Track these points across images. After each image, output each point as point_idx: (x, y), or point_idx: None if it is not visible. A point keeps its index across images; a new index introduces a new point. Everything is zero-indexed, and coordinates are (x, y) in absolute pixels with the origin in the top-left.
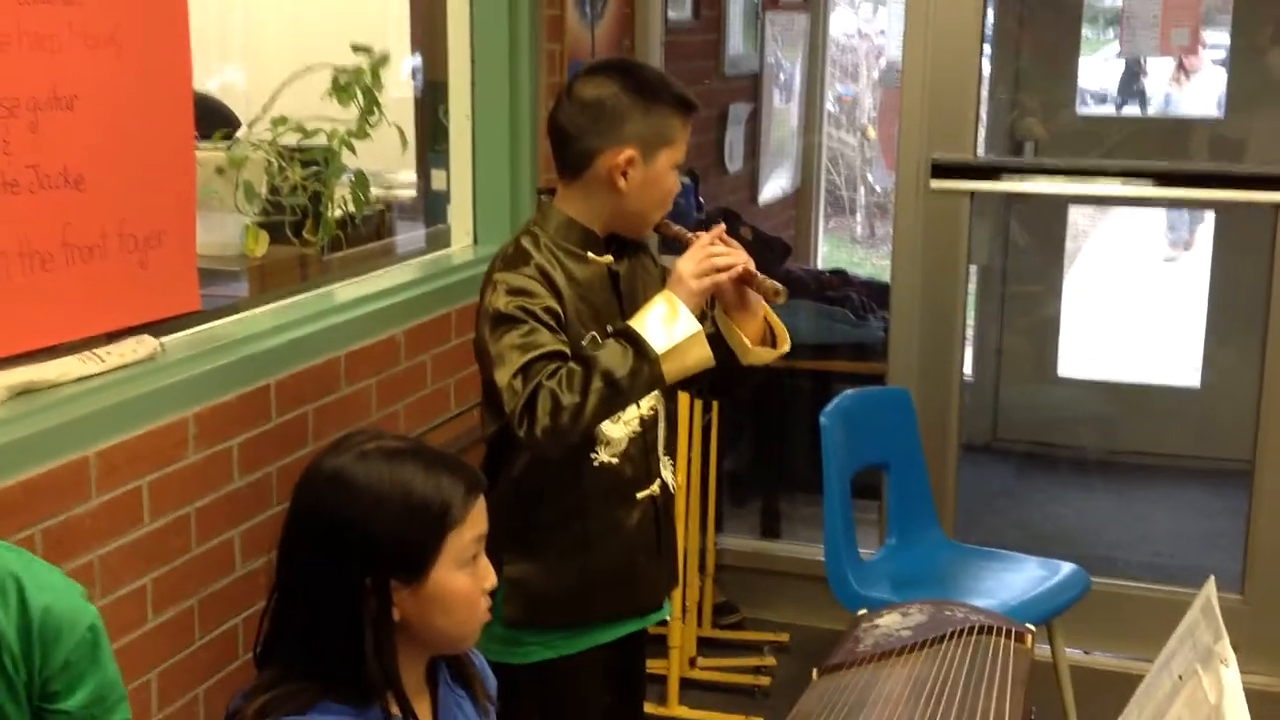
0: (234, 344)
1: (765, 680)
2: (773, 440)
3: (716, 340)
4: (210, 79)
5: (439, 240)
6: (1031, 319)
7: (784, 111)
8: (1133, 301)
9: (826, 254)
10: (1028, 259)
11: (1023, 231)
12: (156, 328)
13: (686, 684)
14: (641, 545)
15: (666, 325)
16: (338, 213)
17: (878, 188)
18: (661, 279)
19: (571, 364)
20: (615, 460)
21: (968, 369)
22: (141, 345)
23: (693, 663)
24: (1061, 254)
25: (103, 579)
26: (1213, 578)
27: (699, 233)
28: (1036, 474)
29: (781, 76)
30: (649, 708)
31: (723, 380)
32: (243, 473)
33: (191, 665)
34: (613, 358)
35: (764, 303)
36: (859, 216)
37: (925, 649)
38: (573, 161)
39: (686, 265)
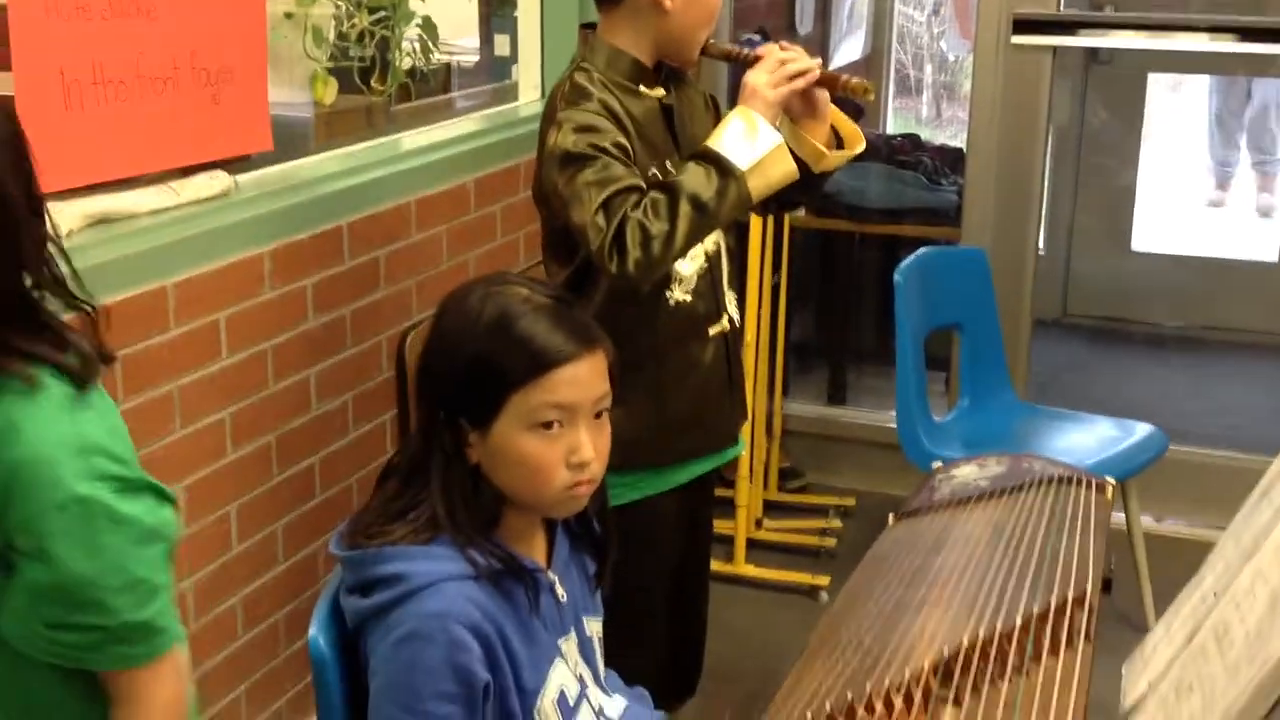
0: (306, 184)
1: (831, 542)
2: (840, 307)
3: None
4: None
5: (505, 95)
6: (1106, 191)
7: None
8: (1211, 174)
9: (893, 133)
10: (1105, 129)
11: (1100, 101)
12: (229, 166)
13: (752, 544)
14: (716, 382)
15: (747, 141)
16: (406, 62)
17: (951, 56)
18: (710, 110)
19: (654, 193)
20: (688, 298)
21: (1040, 242)
22: (216, 180)
23: (759, 524)
24: (1140, 124)
25: (182, 409)
26: None
27: (756, 48)
28: (1108, 348)
29: None
30: (717, 566)
31: (793, 192)
32: (317, 312)
33: (270, 500)
34: (696, 181)
35: (831, 107)
36: (925, 96)
37: (1004, 497)
38: None
39: (759, 77)
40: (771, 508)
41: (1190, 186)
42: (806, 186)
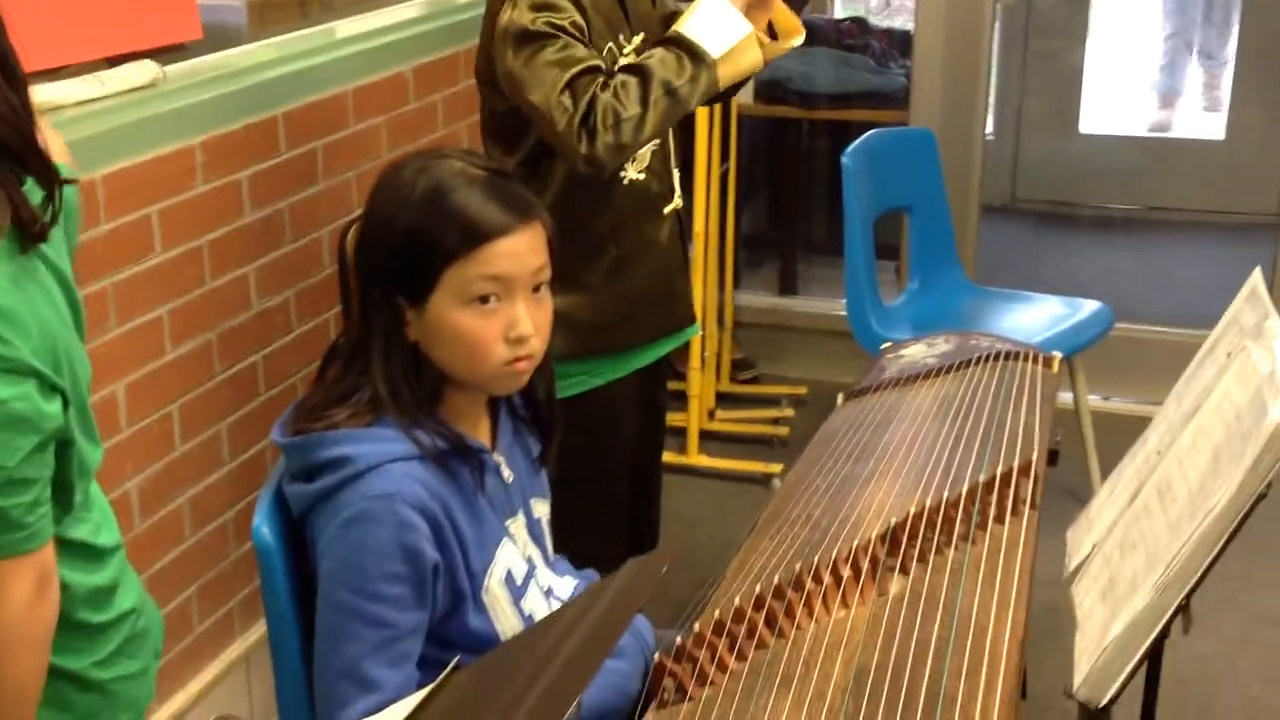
0: (238, 73)
1: (784, 431)
2: (790, 196)
3: None
4: None
5: None
6: (1054, 74)
7: None
8: (1159, 53)
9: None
10: (1052, 9)
11: None
12: (158, 56)
13: (705, 435)
14: (673, 261)
15: (719, 28)
16: None
17: None
18: None
19: (623, 76)
20: (643, 176)
21: (987, 127)
22: (143, 70)
23: (711, 415)
24: (1087, 4)
25: (117, 307)
26: (1259, 269)
27: None
28: (1056, 232)
29: None
30: (670, 457)
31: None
32: (254, 206)
33: (213, 399)
34: (669, 67)
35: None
36: None
37: (952, 372)
38: None
39: None
40: (724, 399)
41: (1138, 66)
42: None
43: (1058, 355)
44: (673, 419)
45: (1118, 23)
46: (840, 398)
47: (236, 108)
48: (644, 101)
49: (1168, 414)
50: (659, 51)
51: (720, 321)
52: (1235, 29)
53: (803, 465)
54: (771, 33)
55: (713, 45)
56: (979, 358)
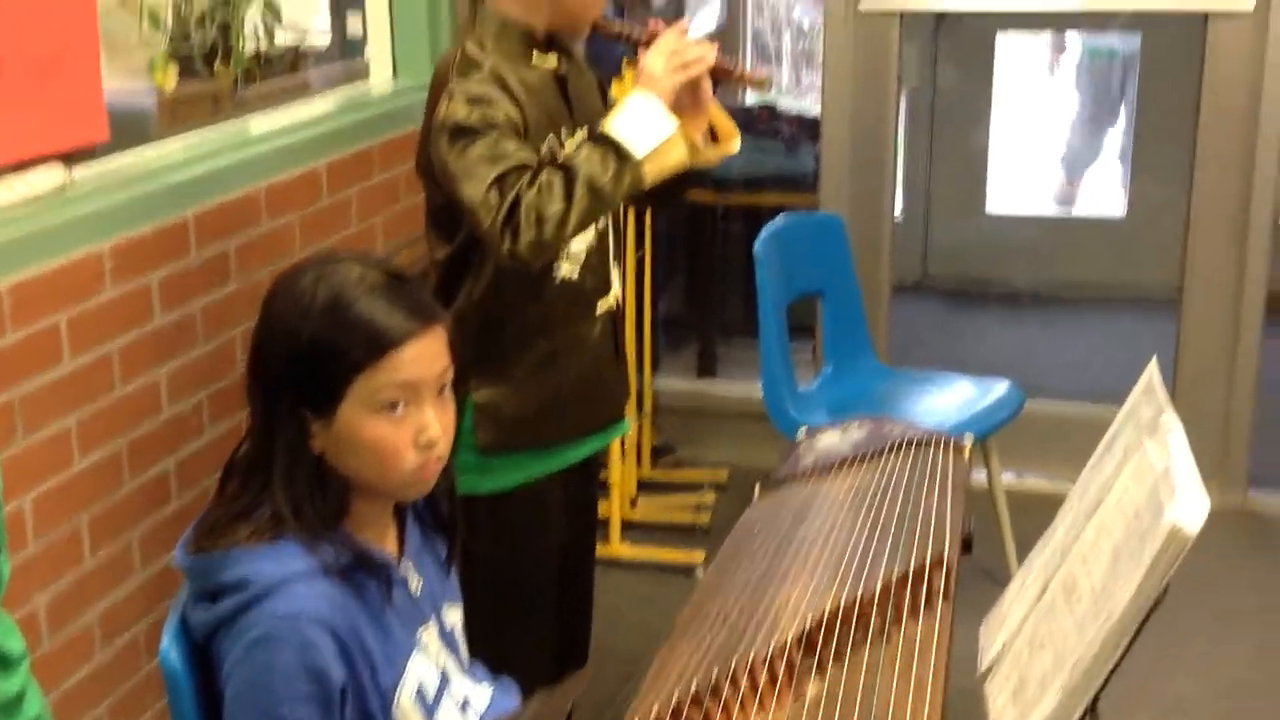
0: (147, 175)
1: (705, 518)
2: (706, 280)
3: None
4: None
5: (356, 74)
6: (960, 156)
7: None
8: (1060, 135)
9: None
10: (956, 94)
11: (951, 64)
12: (65, 159)
13: (627, 525)
14: (604, 357)
15: (645, 126)
16: (250, 46)
17: (805, 23)
18: (598, 87)
19: (549, 173)
20: (576, 274)
21: (897, 209)
22: (50, 175)
23: (633, 504)
24: (990, 87)
25: (24, 419)
26: (1155, 359)
27: (651, 29)
28: (967, 310)
29: None
30: None
31: (668, 187)
32: (165, 310)
33: (123, 508)
34: (593, 164)
35: (713, 101)
36: (785, 64)
37: (866, 462)
38: None
39: (656, 61)
40: (645, 486)
41: (1041, 147)
42: (680, 181)
43: (968, 441)
44: None
45: (1019, 106)
46: (757, 489)
47: (146, 210)
48: (567, 199)
49: (1073, 505)
50: (586, 148)
51: (640, 408)
52: (1132, 109)
53: (720, 562)
54: (713, 135)
55: (638, 144)
56: (892, 445)
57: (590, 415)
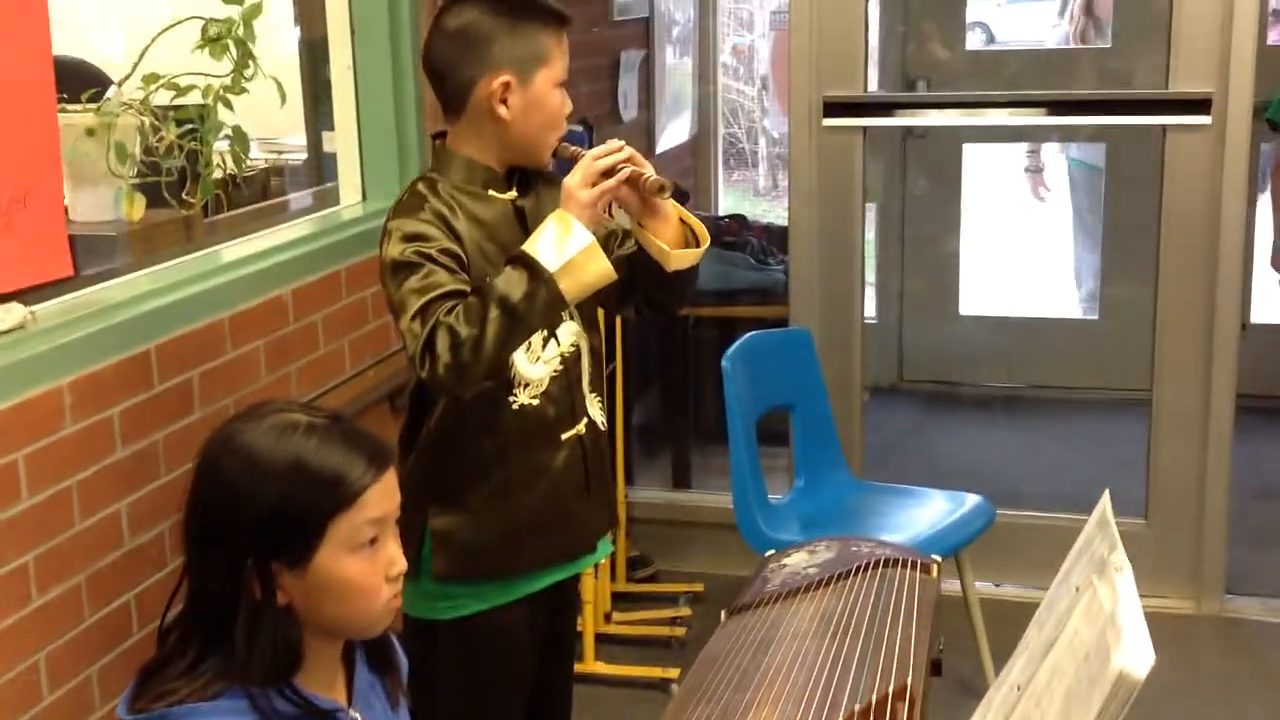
0: (109, 309)
1: (681, 631)
2: (680, 390)
3: (639, 256)
4: (86, 42)
5: (327, 199)
6: (931, 259)
7: (678, 64)
8: (1031, 238)
9: (730, 206)
10: (925, 199)
11: (920, 173)
12: (27, 295)
13: (602, 639)
14: (570, 487)
15: (558, 243)
16: (218, 173)
17: (775, 134)
18: None
19: (470, 298)
20: (536, 401)
21: (871, 311)
22: (10, 314)
23: (608, 618)
24: (959, 193)
25: None
26: (1108, 492)
27: (575, 151)
28: (942, 413)
29: (674, 30)
30: None
31: (659, 292)
32: (126, 442)
33: (82, 645)
34: (508, 283)
35: (676, 205)
36: (761, 169)
37: (832, 585)
38: (453, 97)
39: (573, 179)
40: (621, 599)
41: (1013, 248)
42: (668, 287)
43: (936, 561)
44: None
45: (989, 210)
46: (723, 615)
47: (107, 345)
48: (481, 321)
49: (1029, 642)
50: (506, 269)
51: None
52: (1102, 211)
53: (684, 693)
54: (695, 239)
55: (550, 259)
56: (859, 567)
57: (551, 547)
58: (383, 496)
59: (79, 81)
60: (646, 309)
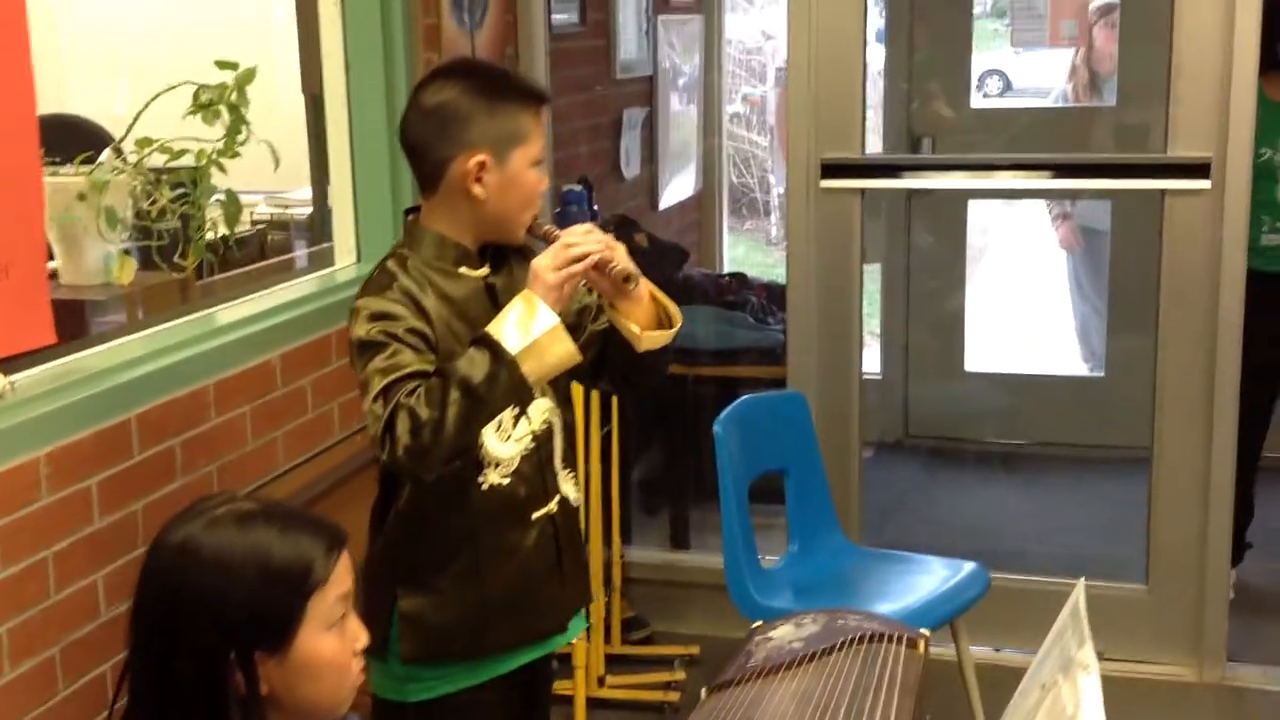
0: (90, 378)
1: (674, 696)
2: (679, 449)
3: (612, 333)
4: (89, 99)
5: (322, 260)
6: (936, 315)
7: (684, 114)
8: (1037, 294)
9: (741, 256)
10: (930, 255)
11: (924, 228)
12: (7, 364)
13: (594, 703)
14: (541, 567)
15: (522, 325)
16: (210, 236)
17: (779, 189)
18: None
19: (432, 380)
20: (506, 480)
21: (877, 367)
22: None
23: (601, 681)
24: (963, 249)
25: None
26: (1083, 581)
27: (549, 231)
28: (946, 470)
29: (680, 80)
30: None
31: (633, 370)
32: (104, 513)
33: (57, 717)
34: (470, 365)
35: (649, 284)
36: (774, 218)
37: (815, 661)
38: (427, 174)
39: (542, 261)
40: (615, 661)
41: (1018, 305)
42: (640, 367)
43: (924, 635)
44: (560, 687)
45: (995, 266)
46: (704, 692)
47: (86, 414)
48: (441, 404)
49: None
50: (470, 351)
51: (607, 583)
52: (1106, 271)
53: None
54: (669, 319)
55: (513, 341)
56: (844, 641)
57: (521, 628)
58: (346, 572)
59: (77, 139)
60: (621, 385)
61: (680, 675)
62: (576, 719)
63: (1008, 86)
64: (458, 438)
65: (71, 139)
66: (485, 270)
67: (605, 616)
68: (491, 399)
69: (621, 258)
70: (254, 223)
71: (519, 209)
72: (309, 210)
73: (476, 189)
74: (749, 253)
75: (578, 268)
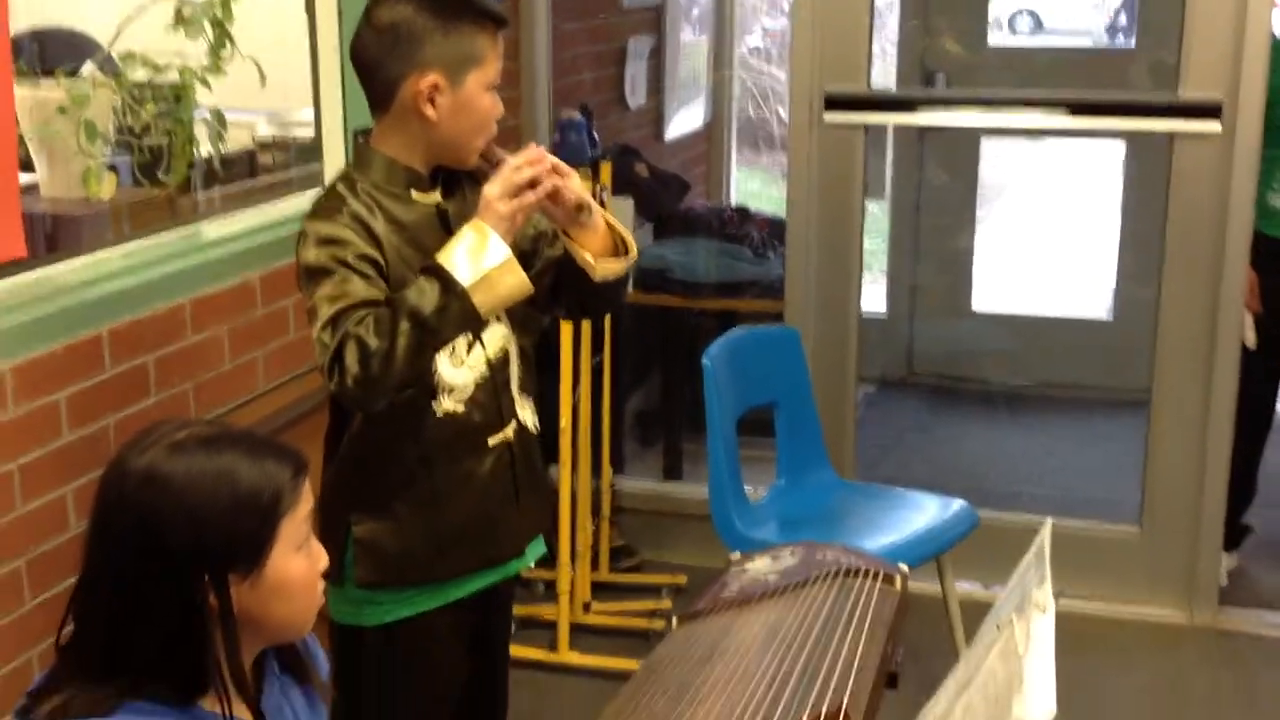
0: (61, 291)
1: (659, 624)
2: (677, 381)
3: (567, 260)
4: (83, 10)
5: (312, 181)
6: (945, 253)
7: (695, 45)
8: (1047, 234)
9: (755, 190)
10: (942, 194)
11: (937, 166)
12: None
13: (579, 629)
14: (497, 494)
15: (474, 255)
16: (197, 154)
17: None
18: None
19: (380, 309)
20: (461, 408)
21: (882, 305)
22: None
23: (587, 608)
24: (975, 187)
25: None
26: (1049, 522)
27: (499, 157)
28: (948, 409)
29: (694, 11)
30: (540, 655)
31: (588, 298)
32: (73, 426)
33: (23, 627)
34: (420, 296)
35: (605, 213)
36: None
37: (788, 593)
38: (378, 93)
39: (492, 189)
40: (602, 589)
41: (1027, 246)
42: (598, 295)
43: (901, 570)
44: (545, 612)
45: (1005, 207)
46: (675, 620)
47: (55, 328)
48: (391, 334)
49: (957, 676)
50: (419, 280)
51: (596, 511)
52: (1119, 210)
53: (621, 700)
54: (625, 248)
55: (464, 273)
56: (819, 575)
57: (478, 554)
58: (308, 494)
59: (71, 51)
60: (577, 313)
61: (666, 604)
62: (560, 645)
63: (1038, 25)
64: (407, 368)
65: (64, 51)
66: (437, 195)
67: (594, 544)
68: (442, 329)
69: (573, 186)
70: (256, 143)
71: (472, 134)
72: (311, 133)
73: (429, 110)
74: (764, 186)
75: (530, 197)
